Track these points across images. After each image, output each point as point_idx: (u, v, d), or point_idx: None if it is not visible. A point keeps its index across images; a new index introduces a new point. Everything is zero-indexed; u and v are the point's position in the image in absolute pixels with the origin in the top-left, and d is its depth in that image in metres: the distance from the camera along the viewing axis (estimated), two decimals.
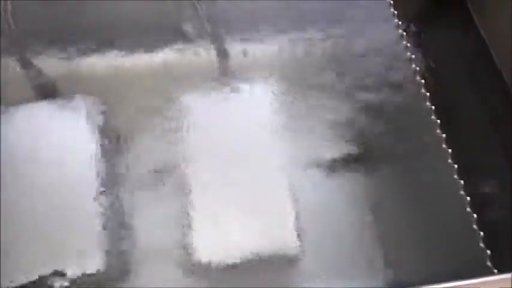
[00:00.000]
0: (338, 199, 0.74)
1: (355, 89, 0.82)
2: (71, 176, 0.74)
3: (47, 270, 0.67)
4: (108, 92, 0.81)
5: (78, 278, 0.67)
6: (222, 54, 0.86)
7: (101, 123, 0.78)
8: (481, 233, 0.69)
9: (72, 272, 0.67)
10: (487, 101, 0.83)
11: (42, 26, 0.87)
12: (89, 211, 0.71)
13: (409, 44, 0.86)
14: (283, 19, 0.89)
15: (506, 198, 0.71)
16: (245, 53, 0.86)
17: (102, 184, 0.73)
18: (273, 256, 0.69)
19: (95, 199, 0.72)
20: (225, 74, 0.84)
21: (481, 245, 0.68)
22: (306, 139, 0.78)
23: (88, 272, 0.67)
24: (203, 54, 0.86)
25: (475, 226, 0.70)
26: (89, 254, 0.68)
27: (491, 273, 0.65)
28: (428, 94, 0.81)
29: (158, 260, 0.69)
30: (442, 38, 0.90)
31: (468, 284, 0.55)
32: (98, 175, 0.74)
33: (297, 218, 0.72)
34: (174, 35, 0.86)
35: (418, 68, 0.84)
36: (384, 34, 0.88)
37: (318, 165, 0.76)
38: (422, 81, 0.83)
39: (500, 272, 0.64)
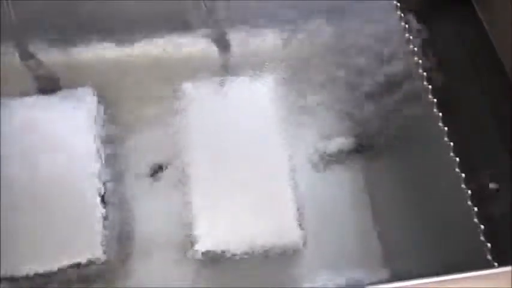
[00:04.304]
0: (340, 192, 0.75)
1: (356, 82, 0.82)
2: (71, 168, 0.74)
3: (47, 262, 0.67)
4: (108, 84, 0.81)
5: (79, 269, 0.67)
6: (223, 45, 0.86)
7: (101, 115, 0.79)
8: (482, 227, 0.69)
9: (73, 263, 0.67)
10: (489, 94, 0.82)
11: (42, 17, 0.87)
12: (90, 203, 0.71)
13: (411, 37, 0.86)
14: (284, 11, 0.88)
15: (507, 192, 0.71)
16: (246, 45, 0.86)
17: (103, 175, 0.74)
18: (274, 248, 0.69)
19: (95, 191, 0.72)
20: (225, 66, 0.84)
21: (481, 238, 0.68)
22: (306, 131, 0.78)
23: (89, 264, 0.68)
24: (204, 46, 0.86)
25: (475, 219, 0.70)
26: (90, 246, 0.68)
27: (491, 267, 0.65)
28: (430, 87, 0.81)
29: (159, 252, 0.70)
30: (444, 31, 0.89)
31: (468, 277, 0.55)
32: (98, 167, 0.74)
33: (299, 210, 0.72)
34: (175, 26, 0.86)
35: (420, 61, 0.84)
36: (387, 26, 0.87)
37: (319, 157, 0.76)
38: (425, 74, 0.82)
39: (500, 265, 0.64)
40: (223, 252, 0.69)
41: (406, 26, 0.87)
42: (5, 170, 0.72)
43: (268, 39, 0.86)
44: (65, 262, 0.67)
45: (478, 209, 0.70)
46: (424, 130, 0.79)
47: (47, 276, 0.67)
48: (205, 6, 0.88)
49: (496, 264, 0.66)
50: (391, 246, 0.70)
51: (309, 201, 0.73)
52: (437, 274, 0.57)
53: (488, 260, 0.67)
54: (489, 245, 0.67)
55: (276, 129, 0.77)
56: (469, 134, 0.79)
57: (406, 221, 0.72)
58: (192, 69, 0.82)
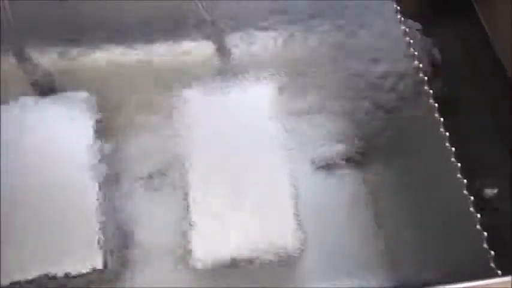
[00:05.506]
0: (340, 198, 0.74)
1: (356, 86, 0.81)
2: (69, 173, 0.73)
3: (44, 269, 0.66)
4: (107, 88, 0.80)
5: (77, 277, 0.67)
6: (223, 50, 0.85)
7: (100, 119, 0.78)
8: (485, 234, 0.68)
9: (71, 270, 0.67)
10: (491, 99, 0.82)
11: (40, 21, 0.86)
12: (88, 209, 0.70)
13: (412, 41, 0.85)
14: (285, 15, 0.88)
15: (510, 197, 0.71)
16: (246, 50, 0.85)
17: (101, 181, 0.73)
18: (274, 255, 0.69)
19: (93, 197, 0.71)
20: (225, 70, 0.83)
21: (485, 245, 0.67)
22: (306, 136, 0.78)
23: (87, 271, 0.67)
24: (204, 50, 0.85)
25: (478, 226, 0.69)
26: (88, 252, 0.68)
27: (495, 275, 0.64)
28: (431, 91, 0.81)
29: (158, 258, 0.69)
30: (445, 34, 0.88)
31: (467, 287, 0.54)
32: (96, 172, 0.73)
33: (298, 216, 0.71)
34: (174, 30, 0.86)
35: (421, 65, 0.83)
36: (387, 30, 0.87)
37: (319, 163, 0.76)
38: (426, 78, 0.82)
39: (504, 273, 0.63)
40: (222, 259, 0.68)
41: (407, 29, 0.86)
42: (3, 175, 0.71)
43: (268, 43, 0.86)
44: (63, 270, 0.67)
45: (481, 215, 0.69)
46: (425, 135, 0.78)
47: (44, 284, 0.66)
48: (205, 9, 0.87)
49: (499, 272, 0.65)
50: (392, 254, 0.69)
51: (309, 206, 0.72)
52: (439, 282, 0.56)
53: (491, 267, 0.66)
54: (492, 252, 0.66)
55: (276, 133, 0.77)
56: (471, 139, 0.78)
57: (408, 228, 0.71)
58: (192, 73, 0.82)
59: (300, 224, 0.71)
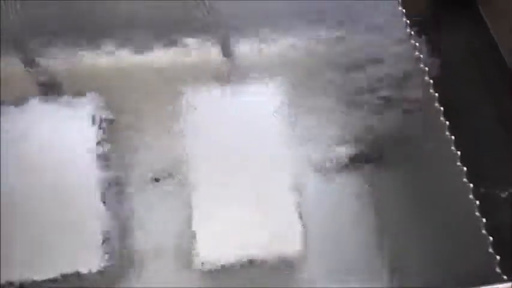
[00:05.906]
0: (342, 200, 0.73)
1: (361, 90, 0.81)
2: (71, 173, 0.73)
3: (45, 270, 0.66)
4: (111, 90, 0.80)
5: (78, 277, 0.66)
6: (228, 53, 0.85)
7: (102, 120, 0.78)
8: (490, 238, 0.68)
9: (72, 271, 0.66)
10: (497, 103, 0.81)
11: (45, 23, 0.87)
12: (90, 209, 0.70)
13: (417, 44, 0.85)
14: (289, 19, 0.88)
15: None
16: (249, 51, 0.85)
17: (103, 182, 0.73)
18: (275, 256, 0.68)
19: (95, 199, 0.71)
20: (230, 73, 0.83)
21: (490, 250, 0.67)
22: (310, 140, 0.77)
23: (88, 271, 0.67)
24: (208, 52, 0.85)
25: (484, 231, 0.68)
26: (90, 253, 0.68)
27: (501, 279, 0.63)
28: (437, 95, 0.80)
29: (159, 259, 0.69)
30: (451, 37, 0.88)
31: None
32: (99, 172, 0.73)
33: (300, 217, 0.71)
34: (179, 34, 0.86)
35: (426, 68, 0.83)
36: (392, 33, 0.87)
37: (323, 164, 0.75)
38: (431, 81, 0.81)
39: (510, 277, 0.62)
40: (224, 262, 0.68)
41: (412, 32, 0.86)
42: (4, 177, 0.71)
43: (272, 45, 0.86)
44: (65, 271, 0.66)
45: (487, 220, 0.69)
46: (430, 139, 0.78)
47: (45, 285, 0.66)
48: (209, 12, 0.87)
49: (505, 277, 0.64)
50: (396, 258, 0.68)
51: (311, 207, 0.72)
52: (444, 286, 0.56)
53: (497, 272, 0.65)
54: (498, 257, 0.66)
55: (280, 136, 0.77)
56: (477, 143, 0.78)
57: (413, 232, 0.71)
58: (196, 76, 0.82)
59: (302, 226, 0.70)
